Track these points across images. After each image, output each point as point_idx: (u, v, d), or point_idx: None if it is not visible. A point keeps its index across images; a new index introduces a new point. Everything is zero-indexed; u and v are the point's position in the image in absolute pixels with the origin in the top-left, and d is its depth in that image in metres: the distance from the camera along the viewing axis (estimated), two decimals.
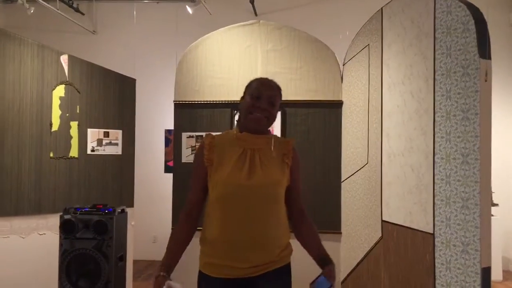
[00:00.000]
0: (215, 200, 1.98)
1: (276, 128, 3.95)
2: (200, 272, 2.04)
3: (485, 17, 2.60)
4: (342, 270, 3.82)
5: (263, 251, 1.95)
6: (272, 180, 1.97)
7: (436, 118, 2.77)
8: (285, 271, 2.03)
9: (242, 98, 2.06)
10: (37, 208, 3.94)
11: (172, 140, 4.31)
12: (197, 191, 2.05)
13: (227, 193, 1.94)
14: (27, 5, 5.83)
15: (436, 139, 2.77)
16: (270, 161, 2.00)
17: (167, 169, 6.69)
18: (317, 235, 2.10)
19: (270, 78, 2.09)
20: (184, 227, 2.04)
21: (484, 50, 2.52)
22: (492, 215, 5.00)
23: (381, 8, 3.44)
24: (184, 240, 2.02)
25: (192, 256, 2.15)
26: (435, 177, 2.77)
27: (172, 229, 2.08)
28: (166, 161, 6.83)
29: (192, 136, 4.03)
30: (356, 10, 5.76)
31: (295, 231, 2.11)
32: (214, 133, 2.14)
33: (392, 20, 3.30)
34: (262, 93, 1.98)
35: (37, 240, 3.95)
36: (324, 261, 1.99)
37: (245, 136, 2.02)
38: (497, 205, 5.63)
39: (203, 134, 3.99)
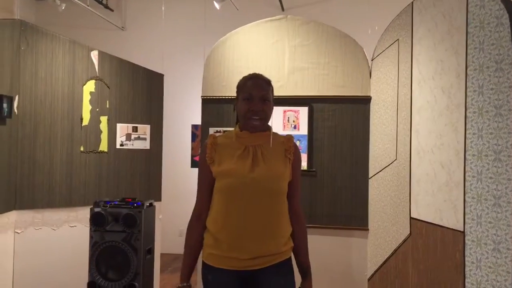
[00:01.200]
0: (218, 191, 2.04)
1: (302, 124, 3.94)
2: (203, 263, 2.09)
3: None
4: (369, 266, 3.79)
5: (264, 243, 1.99)
6: (275, 173, 2.02)
7: (468, 114, 2.72)
8: (287, 264, 2.08)
9: (236, 98, 2.13)
10: (68, 201, 4.03)
11: (199, 135, 4.34)
12: (204, 192, 2.11)
13: (230, 184, 1.99)
14: (58, 2, 5.95)
15: (467, 135, 2.71)
16: (273, 155, 2.05)
17: (194, 164, 6.75)
18: (305, 242, 2.16)
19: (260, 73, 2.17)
20: (195, 232, 2.12)
21: None
22: None
23: (412, 2, 3.39)
24: (197, 245, 2.11)
25: None
26: (466, 174, 2.72)
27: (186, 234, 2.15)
28: (192, 156, 6.89)
29: (219, 131, 4.05)
30: (386, 4, 5.68)
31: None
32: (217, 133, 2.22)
33: (422, 15, 3.25)
34: (254, 95, 2.04)
35: (68, 232, 4.04)
36: (304, 274, 2.11)
37: (245, 134, 2.08)
38: None
39: (230, 129, 4.01)
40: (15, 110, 3.69)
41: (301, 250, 2.15)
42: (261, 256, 1.98)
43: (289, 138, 2.14)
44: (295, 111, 3.96)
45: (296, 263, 2.15)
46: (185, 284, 2.06)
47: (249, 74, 2.16)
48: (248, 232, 1.97)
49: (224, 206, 2.02)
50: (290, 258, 2.10)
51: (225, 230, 2.00)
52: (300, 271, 2.14)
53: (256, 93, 2.05)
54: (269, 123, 2.15)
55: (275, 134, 2.14)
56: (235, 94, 3.96)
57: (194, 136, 6.87)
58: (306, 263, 2.14)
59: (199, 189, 2.14)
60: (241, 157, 2.02)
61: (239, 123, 2.15)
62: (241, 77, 3.94)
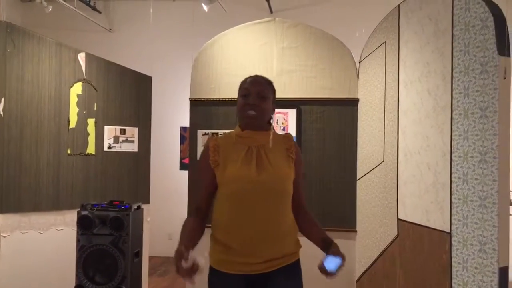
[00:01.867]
0: (226, 197, 2.01)
1: (291, 126, 3.95)
2: (211, 268, 2.05)
3: (504, 13, 2.57)
4: (357, 268, 3.80)
5: (275, 246, 1.97)
6: (281, 175, 2.01)
7: (454, 116, 2.74)
8: (296, 268, 2.06)
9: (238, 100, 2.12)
10: (55, 204, 4.00)
11: (188, 137, 4.33)
12: (204, 193, 2.09)
13: (238, 189, 1.97)
14: (45, 4, 5.91)
15: (453, 137, 2.74)
16: (276, 156, 2.04)
17: (183, 166, 6.74)
18: (317, 222, 2.14)
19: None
20: (194, 218, 2.06)
21: (503, 47, 2.49)
22: (511, 214, 4.96)
23: (398, 5, 3.41)
24: (196, 228, 2.01)
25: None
26: (452, 176, 2.74)
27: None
28: (181, 159, 6.87)
29: (208, 134, 4.05)
30: (373, 7, 5.71)
31: (298, 224, 2.13)
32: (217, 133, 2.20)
33: (409, 17, 3.28)
34: (251, 90, 2.04)
35: (55, 236, 4.01)
36: (326, 243, 2.01)
37: (247, 134, 2.07)
38: None
39: (219, 131, 4.01)
40: (1, 113, 3.65)
41: (315, 231, 2.09)
42: (272, 259, 1.97)
43: (289, 136, 2.15)
44: (283, 113, 3.97)
45: (316, 243, 2.05)
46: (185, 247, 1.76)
47: (251, 76, 2.16)
48: (259, 235, 1.94)
49: (232, 211, 1.99)
50: (298, 260, 2.09)
51: (236, 236, 1.97)
52: (323, 246, 2.01)
53: (253, 89, 2.05)
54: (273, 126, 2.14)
55: (274, 133, 2.13)
56: (223, 96, 4.01)
57: (183, 138, 6.85)
58: (323, 236, 2.04)
59: (199, 189, 2.11)
60: (246, 160, 2.00)
61: (239, 123, 2.13)
62: (229, 79, 3.98)
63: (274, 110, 2.15)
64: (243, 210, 1.96)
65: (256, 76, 2.14)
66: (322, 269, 1.84)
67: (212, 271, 2.05)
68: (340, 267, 1.86)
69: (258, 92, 2.04)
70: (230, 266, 1.99)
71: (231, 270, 1.98)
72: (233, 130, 2.15)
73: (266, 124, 2.11)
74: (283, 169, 2.03)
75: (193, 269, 1.69)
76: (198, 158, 4.03)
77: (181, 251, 1.72)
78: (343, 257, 1.89)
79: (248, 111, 2.02)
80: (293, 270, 2.05)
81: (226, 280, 2.00)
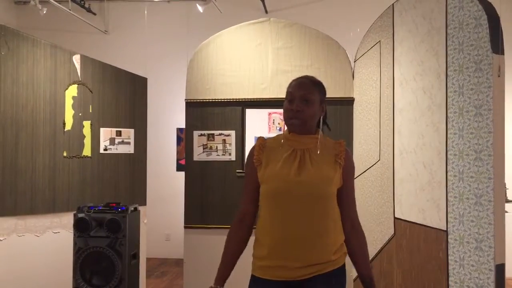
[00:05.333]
0: (265, 196, 1.97)
1: None
2: (252, 276, 2.01)
3: (498, 11, 2.58)
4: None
5: (315, 250, 1.90)
6: (322, 177, 1.92)
7: (449, 115, 2.75)
8: (339, 274, 1.97)
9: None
10: (51, 207, 3.99)
11: (184, 138, 4.33)
12: (249, 195, 2.05)
13: (277, 188, 1.92)
14: (39, 6, 5.88)
15: (448, 135, 2.75)
16: (322, 160, 1.96)
17: (179, 168, 6.72)
18: (365, 253, 2.05)
19: (310, 75, 2.08)
20: (235, 235, 2.04)
21: (497, 45, 2.50)
22: (507, 212, 4.96)
23: (392, 4, 3.42)
24: (237, 248, 2.02)
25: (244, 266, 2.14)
26: (448, 174, 2.75)
27: (227, 237, 2.08)
28: (178, 160, 6.86)
29: (204, 135, 4.05)
30: (367, 6, 5.72)
31: (345, 241, 2.03)
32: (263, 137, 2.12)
33: (403, 16, 3.28)
34: (295, 95, 1.96)
35: (52, 239, 4.00)
36: (365, 282, 1.99)
37: (293, 136, 2.00)
38: None
39: (215, 132, 4.01)
40: None
41: (360, 261, 2.03)
42: (311, 265, 1.89)
43: (341, 143, 2.04)
44: (280, 113, 3.98)
45: (359, 277, 2.04)
46: (218, 287, 1.96)
47: (298, 77, 2.07)
48: (295, 238, 1.89)
49: (271, 211, 1.94)
50: (343, 267, 1.99)
51: (273, 237, 1.92)
52: (363, 284, 2.01)
53: (297, 93, 1.96)
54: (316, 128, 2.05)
55: (325, 138, 2.05)
56: (218, 97, 4.01)
57: (179, 140, 6.84)
58: (368, 275, 2.01)
59: (244, 193, 2.08)
60: (288, 160, 1.94)
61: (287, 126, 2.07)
62: (225, 80, 3.98)
63: (324, 111, 2.06)
64: (281, 210, 1.92)
65: (302, 77, 2.04)
66: None
67: (252, 279, 2.01)
68: None
69: (301, 96, 1.95)
70: (269, 272, 1.94)
71: (270, 276, 1.93)
72: (282, 133, 2.09)
73: (313, 128, 2.02)
74: (325, 172, 1.93)
75: None
76: (196, 158, 4.04)
77: None
78: None
79: (290, 120, 1.96)
80: (336, 278, 1.95)
81: (263, 286, 1.94)
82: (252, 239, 2.04)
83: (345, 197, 2.02)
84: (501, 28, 2.54)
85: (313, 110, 1.98)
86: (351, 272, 3.79)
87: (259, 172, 1.99)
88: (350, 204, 2.04)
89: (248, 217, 2.05)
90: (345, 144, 2.04)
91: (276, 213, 1.92)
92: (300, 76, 2.06)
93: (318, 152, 1.97)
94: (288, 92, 2.00)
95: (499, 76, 2.48)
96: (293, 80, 2.04)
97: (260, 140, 2.05)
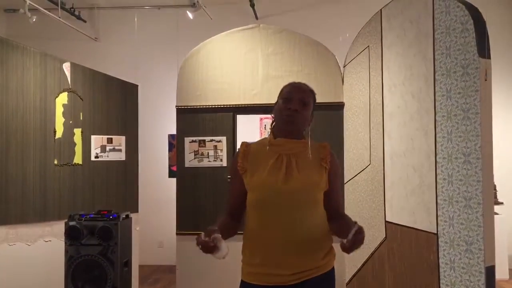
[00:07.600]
0: (252, 205, 1.96)
1: None
2: (242, 281, 1.99)
3: (484, 16, 2.61)
4: (347, 271, 3.82)
5: (305, 256, 1.90)
6: (309, 183, 1.92)
7: (437, 118, 2.78)
8: (328, 278, 1.97)
9: (275, 103, 2.04)
10: (42, 215, 3.97)
11: (175, 145, 4.33)
12: (235, 199, 2.04)
13: (264, 197, 1.91)
14: (29, 14, 5.85)
15: (437, 139, 2.78)
16: (307, 165, 1.95)
17: (171, 174, 6.70)
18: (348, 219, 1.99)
19: (303, 82, 2.08)
20: (226, 217, 2.02)
21: (483, 49, 2.53)
22: (497, 214, 5.01)
23: (380, 10, 3.45)
24: (226, 223, 1.97)
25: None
26: (438, 177, 2.77)
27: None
28: (170, 166, 6.84)
29: (195, 141, 4.05)
30: (356, 12, 5.77)
31: (330, 228, 2.00)
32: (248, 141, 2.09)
33: (391, 22, 3.32)
34: (293, 96, 1.97)
35: (43, 247, 3.98)
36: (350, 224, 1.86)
37: (279, 142, 1.99)
38: (502, 203, 5.61)
39: (206, 138, 4.02)
40: None
41: (346, 225, 1.90)
42: (302, 271, 1.89)
43: (325, 146, 2.04)
44: (270, 118, 3.99)
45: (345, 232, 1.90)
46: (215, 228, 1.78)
47: (293, 82, 2.08)
48: (285, 245, 1.87)
49: (259, 220, 1.92)
50: (332, 271, 1.99)
51: (263, 245, 1.91)
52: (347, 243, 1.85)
53: (296, 94, 1.97)
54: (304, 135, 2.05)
55: (311, 141, 2.03)
56: (209, 103, 4.01)
57: (171, 146, 6.83)
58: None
59: (230, 196, 2.07)
60: (274, 167, 1.92)
61: (273, 130, 2.06)
62: (215, 86, 3.98)
63: (312, 120, 2.05)
64: (269, 218, 1.90)
65: (299, 83, 2.06)
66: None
67: (242, 284, 1.99)
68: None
69: (300, 98, 1.96)
70: (259, 278, 1.92)
71: (260, 281, 1.92)
72: (267, 137, 2.08)
73: (301, 133, 2.02)
74: (312, 178, 1.93)
75: (211, 243, 1.67)
76: (187, 164, 4.04)
77: (206, 229, 1.72)
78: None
79: (288, 116, 1.94)
80: (325, 279, 1.95)
81: None
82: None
83: (333, 198, 2.02)
84: (487, 32, 2.57)
85: (308, 114, 2.00)
86: (344, 276, 3.81)
87: (245, 179, 1.97)
88: (337, 201, 2.05)
89: (236, 214, 2.05)
90: (329, 147, 2.04)
91: (265, 222, 1.91)
92: (297, 81, 2.07)
93: (310, 156, 1.96)
94: (285, 92, 2.00)
95: (486, 80, 2.51)
96: (290, 83, 2.05)
97: (243, 146, 2.03)
